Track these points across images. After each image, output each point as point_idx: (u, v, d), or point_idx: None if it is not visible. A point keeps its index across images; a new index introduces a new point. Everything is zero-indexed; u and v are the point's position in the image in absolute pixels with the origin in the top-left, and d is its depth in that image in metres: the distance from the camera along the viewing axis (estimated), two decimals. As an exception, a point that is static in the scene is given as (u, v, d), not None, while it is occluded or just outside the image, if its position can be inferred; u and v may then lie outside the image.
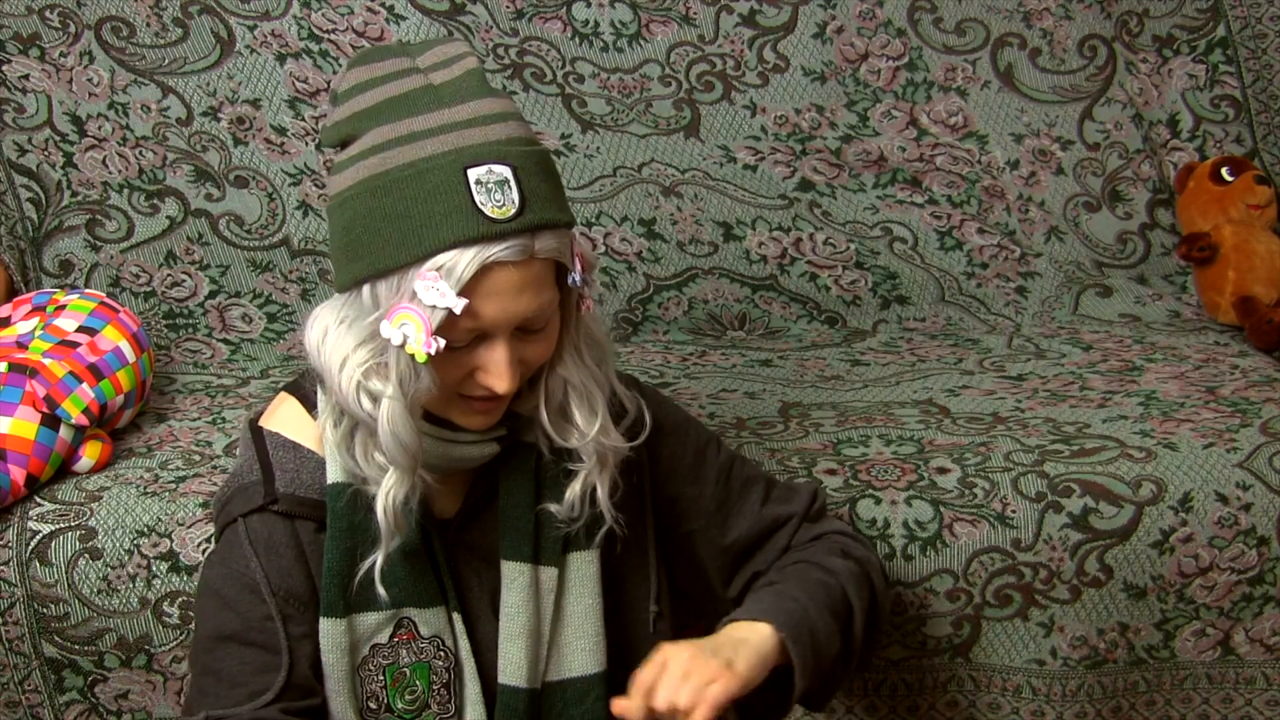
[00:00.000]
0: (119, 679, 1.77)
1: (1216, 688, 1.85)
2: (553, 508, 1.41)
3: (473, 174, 1.25)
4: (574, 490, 1.40)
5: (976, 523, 1.77)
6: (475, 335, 1.29)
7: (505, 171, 1.26)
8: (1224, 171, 2.43)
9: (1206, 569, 1.79)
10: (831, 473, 1.81)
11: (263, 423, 1.44)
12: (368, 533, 1.36)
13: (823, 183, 2.46)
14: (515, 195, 1.25)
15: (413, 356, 1.26)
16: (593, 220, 2.38)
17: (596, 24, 2.47)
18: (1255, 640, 1.83)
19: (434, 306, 1.24)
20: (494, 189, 1.25)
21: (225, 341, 2.26)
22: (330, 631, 1.38)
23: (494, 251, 1.25)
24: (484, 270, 1.25)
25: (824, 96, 2.49)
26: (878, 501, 1.78)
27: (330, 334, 1.31)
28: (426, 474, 1.35)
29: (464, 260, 1.24)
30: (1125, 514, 1.78)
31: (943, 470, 1.81)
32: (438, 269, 1.24)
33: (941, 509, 1.77)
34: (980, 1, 2.53)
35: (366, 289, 1.28)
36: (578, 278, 1.32)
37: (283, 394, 1.46)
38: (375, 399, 1.29)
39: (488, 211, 1.24)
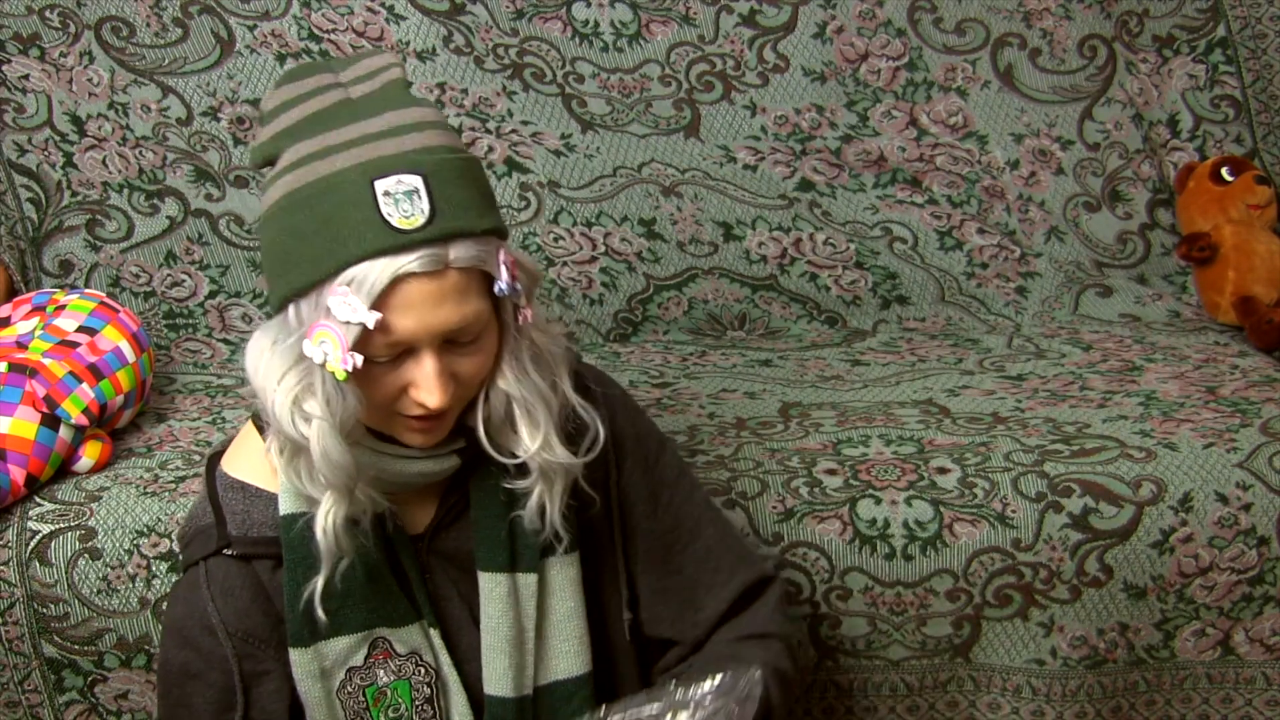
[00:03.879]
0: (119, 679, 1.77)
1: (1216, 688, 1.85)
2: (524, 516, 1.40)
3: (380, 185, 1.23)
4: (529, 508, 1.38)
5: (976, 523, 1.77)
6: (400, 350, 1.27)
7: (415, 181, 1.23)
8: (1224, 171, 2.43)
9: (1206, 569, 1.79)
10: (831, 473, 1.81)
11: (223, 459, 1.44)
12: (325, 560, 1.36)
13: (823, 183, 2.46)
14: (425, 204, 1.23)
15: (334, 375, 1.24)
16: (593, 220, 2.38)
17: (596, 24, 2.47)
18: (1255, 640, 1.83)
19: (348, 322, 1.22)
20: (402, 199, 1.23)
21: (225, 341, 2.26)
22: (299, 660, 1.38)
23: (404, 262, 1.22)
24: (396, 282, 1.23)
25: (824, 96, 2.49)
26: (878, 501, 1.78)
27: (264, 357, 1.29)
28: (376, 493, 1.34)
29: (374, 273, 1.22)
30: (1125, 514, 1.78)
31: (943, 470, 1.81)
32: (349, 283, 1.22)
33: (941, 509, 1.77)
34: (980, 1, 2.53)
35: (291, 308, 1.27)
36: (505, 286, 1.28)
37: (247, 424, 1.45)
38: (308, 421, 1.27)
39: (394, 222, 1.22)
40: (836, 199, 2.45)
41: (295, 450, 1.32)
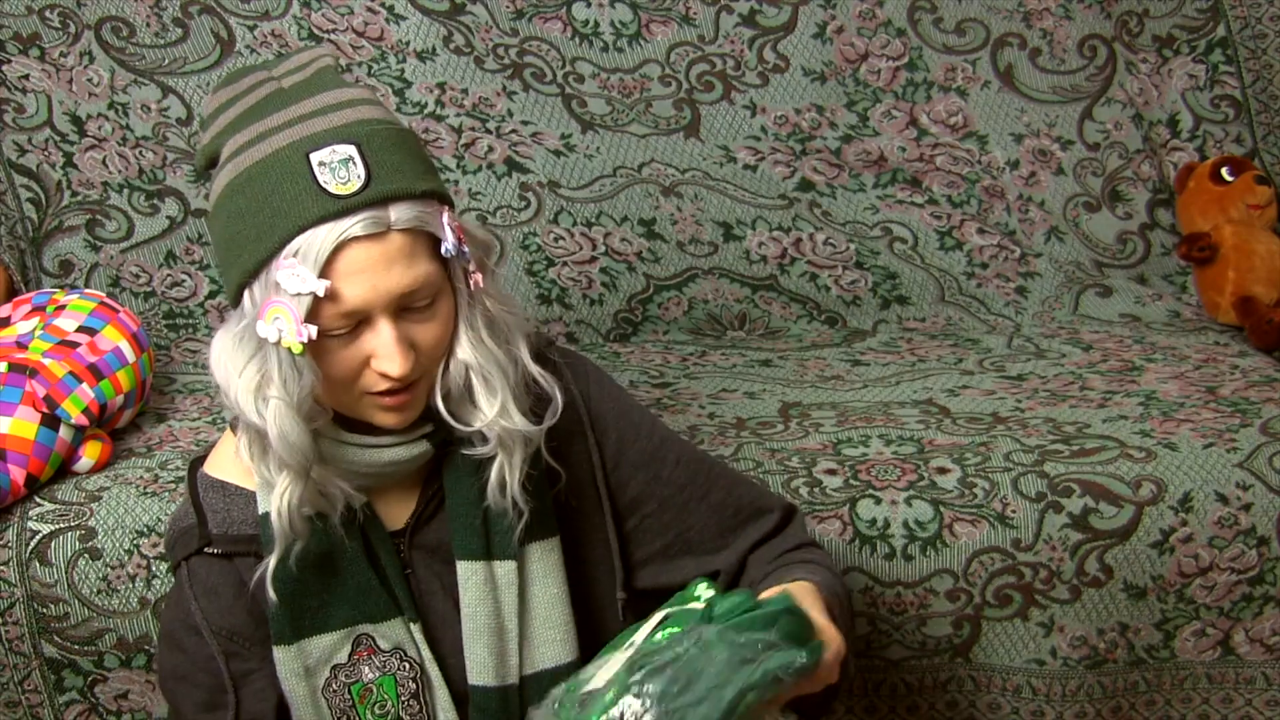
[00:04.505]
0: (119, 679, 1.77)
1: (1216, 688, 1.85)
2: (491, 502, 1.39)
3: (315, 157, 1.25)
4: (491, 480, 1.37)
5: (976, 523, 1.77)
6: (355, 321, 1.28)
7: (348, 150, 1.26)
8: (1224, 171, 2.43)
9: (1206, 569, 1.79)
10: (831, 473, 1.81)
11: (205, 462, 1.46)
12: (305, 558, 1.36)
13: (823, 183, 2.46)
14: (360, 170, 1.25)
15: (290, 350, 1.25)
16: (593, 220, 2.38)
17: (596, 24, 2.47)
18: (1255, 640, 1.83)
19: (298, 294, 1.24)
20: (337, 167, 1.25)
21: (225, 341, 2.26)
22: (283, 659, 1.39)
23: (346, 227, 1.24)
24: (340, 248, 1.24)
25: (824, 96, 2.49)
26: (878, 501, 1.78)
27: (225, 352, 1.30)
28: (349, 487, 1.35)
29: (317, 240, 1.24)
30: (1125, 514, 1.78)
31: (943, 470, 1.81)
32: (295, 254, 1.24)
33: (941, 509, 1.77)
34: (980, 1, 2.53)
35: (246, 296, 1.28)
36: (451, 247, 1.29)
37: (227, 429, 1.46)
38: (269, 404, 1.28)
39: (331, 189, 1.24)
40: (836, 199, 2.45)
41: (263, 444, 1.32)
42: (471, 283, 1.33)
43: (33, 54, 2.33)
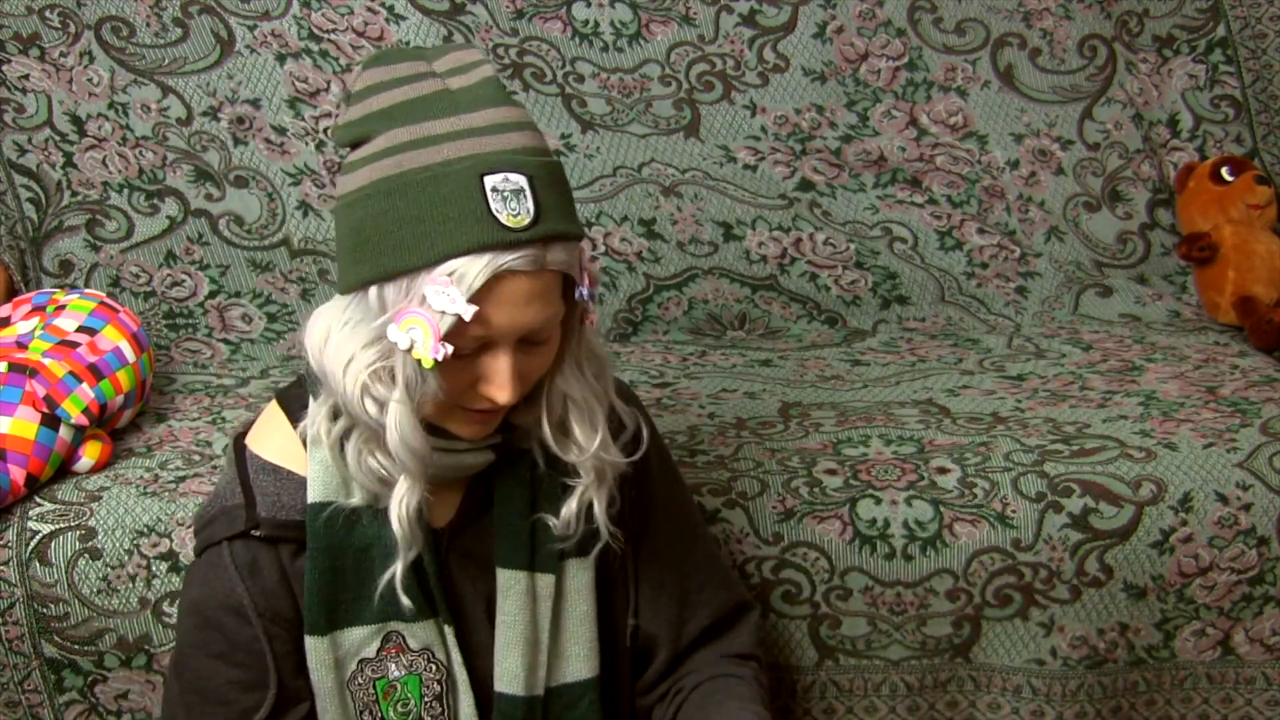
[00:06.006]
0: (119, 679, 1.77)
1: (1216, 688, 1.85)
2: (550, 521, 1.41)
3: (489, 181, 1.24)
4: (570, 507, 1.40)
5: (976, 523, 1.77)
6: (480, 344, 1.28)
7: (521, 180, 1.24)
8: (1224, 171, 2.43)
9: (1206, 569, 1.79)
10: (831, 473, 1.81)
11: (248, 440, 1.44)
12: (346, 550, 1.37)
13: (823, 183, 2.46)
14: (530, 205, 1.24)
15: (419, 361, 1.25)
16: (593, 220, 2.38)
17: (596, 24, 2.47)
18: (1255, 640, 1.83)
19: (444, 313, 1.23)
20: (510, 197, 1.24)
21: (225, 341, 2.26)
22: (315, 649, 1.39)
23: (507, 260, 1.23)
24: (496, 278, 1.24)
25: (824, 96, 2.49)
26: (878, 501, 1.78)
27: (334, 336, 1.29)
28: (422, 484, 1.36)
29: (477, 267, 1.23)
30: (1125, 514, 1.78)
31: (943, 470, 1.81)
32: (450, 274, 1.23)
33: (941, 509, 1.77)
34: (980, 1, 2.53)
35: (374, 291, 1.27)
36: (585, 292, 1.31)
37: (272, 405, 1.45)
38: (380, 404, 1.28)
39: (503, 219, 1.23)
40: (836, 199, 2.45)
41: (347, 429, 1.33)
42: (588, 321, 1.35)
43: (33, 54, 2.33)
